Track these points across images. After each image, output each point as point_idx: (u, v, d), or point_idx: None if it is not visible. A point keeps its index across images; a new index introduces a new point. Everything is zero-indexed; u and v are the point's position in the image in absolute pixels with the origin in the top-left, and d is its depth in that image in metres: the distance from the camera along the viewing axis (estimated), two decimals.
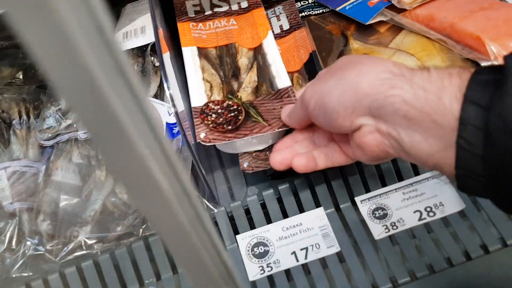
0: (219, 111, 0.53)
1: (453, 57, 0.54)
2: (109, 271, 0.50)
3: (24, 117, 0.60)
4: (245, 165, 0.53)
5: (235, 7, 0.64)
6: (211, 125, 0.51)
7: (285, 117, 0.50)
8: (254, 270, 0.48)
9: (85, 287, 0.50)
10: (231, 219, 0.52)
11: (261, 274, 0.48)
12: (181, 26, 0.61)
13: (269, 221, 0.51)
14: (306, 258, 0.48)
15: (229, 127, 0.51)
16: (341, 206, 0.51)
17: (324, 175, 0.52)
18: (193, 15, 0.63)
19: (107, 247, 0.50)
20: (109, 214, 0.50)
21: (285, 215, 0.51)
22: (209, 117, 0.52)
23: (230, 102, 0.53)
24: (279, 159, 0.47)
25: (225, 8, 0.64)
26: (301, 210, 0.51)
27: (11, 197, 0.53)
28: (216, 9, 0.64)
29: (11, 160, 0.55)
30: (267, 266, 0.48)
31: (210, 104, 0.53)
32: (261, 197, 0.52)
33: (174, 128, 0.57)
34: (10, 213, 0.53)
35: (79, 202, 0.51)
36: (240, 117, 0.52)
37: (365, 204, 0.50)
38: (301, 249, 0.49)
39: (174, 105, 0.50)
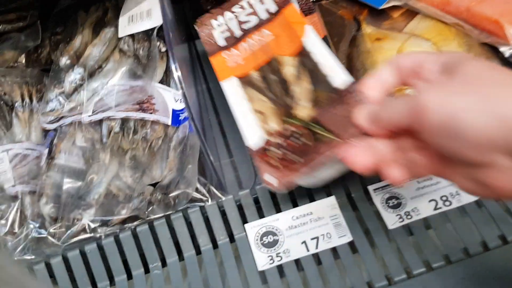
0: (282, 143, 0.45)
1: (470, 42, 0.53)
2: (113, 255, 0.48)
3: (27, 99, 0.58)
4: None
5: (263, 15, 0.55)
6: (278, 164, 0.44)
7: (365, 121, 0.39)
8: (263, 260, 0.47)
9: (88, 271, 0.48)
10: (239, 207, 0.50)
11: (270, 264, 0.46)
12: (215, 61, 0.54)
13: (278, 210, 0.50)
14: (317, 247, 0.47)
15: (302, 160, 0.43)
16: (353, 195, 0.49)
17: None
18: (224, 43, 0.55)
19: (111, 230, 0.48)
20: (113, 197, 0.49)
21: (295, 204, 0.50)
22: (273, 154, 0.44)
23: (291, 128, 0.45)
24: (362, 161, 0.38)
25: (254, 21, 0.55)
26: (312, 199, 0.50)
27: (13, 180, 0.51)
28: (245, 26, 0.55)
29: (13, 142, 0.54)
30: (277, 256, 0.47)
31: (270, 139, 0.46)
32: None
33: (180, 114, 0.56)
34: (12, 195, 0.51)
35: (82, 185, 0.50)
36: (309, 143, 0.44)
37: (378, 193, 0.49)
38: (312, 239, 0.47)
39: (182, 88, 0.48)
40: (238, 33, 0.55)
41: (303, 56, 0.50)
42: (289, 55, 0.51)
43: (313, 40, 0.50)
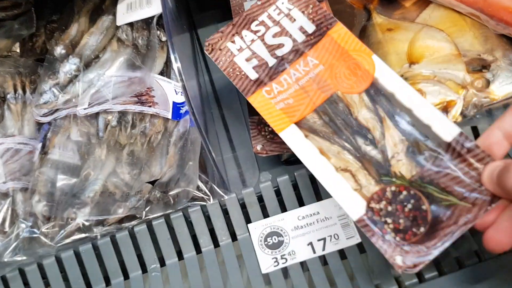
0: (391, 209, 0.37)
1: (486, 33, 0.50)
2: (109, 256, 0.46)
3: (20, 91, 0.55)
4: (258, 148, 0.49)
5: (299, 36, 0.44)
6: (397, 238, 0.36)
7: (494, 183, 0.33)
8: (267, 262, 0.44)
9: (83, 272, 0.46)
10: (243, 206, 0.47)
11: (274, 266, 0.44)
12: (256, 102, 0.43)
13: (283, 209, 0.47)
14: (324, 249, 0.44)
15: (422, 229, 0.36)
16: None
17: None
18: (256, 76, 0.44)
19: (107, 230, 0.46)
20: (109, 195, 0.46)
21: (301, 203, 0.47)
22: (386, 225, 0.37)
23: (392, 188, 0.38)
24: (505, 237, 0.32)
25: (288, 45, 0.45)
26: (319, 198, 0.47)
27: (4, 176, 0.49)
28: (278, 52, 0.45)
29: (4, 136, 0.51)
30: (281, 258, 0.44)
31: (374, 205, 0.38)
32: (275, 183, 0.48)
33: (181, 107, 0.53)
34: (3, 193, 0.49)
35: (77, 182, 0.47)
36: (424, 207, 0.36)
37: None
38: (319, 240, 0.45)
39: (182, 80, 0.45)
40: (271, 61, 0.45)
41: (379, 95, 0.41)
42: (357, 93, 0.41)
43: (388, 74, 0.41)
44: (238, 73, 0.45)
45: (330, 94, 0.42)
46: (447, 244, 0.35)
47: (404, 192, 0.37)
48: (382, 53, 0.52)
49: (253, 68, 0.45)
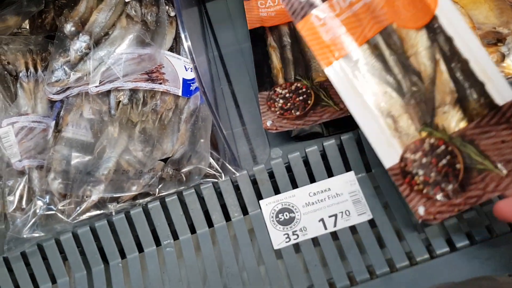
0: (425, 161, 0.36)
1: (501, 5, 0.49)
2: (124, 232, 0.47)
3: (31, 69, 0.55)
4: (268, 123, 0.49)
5: None
6: (425, 191, 0.37)
7: None
8: (279, 238, 0.45)
9: (99, 247, 0.47)
10: (254, 183, 0.48)
11: (286, 242, 0.45)
12: (303, 27, 0.40)
13: (294, 185, 0.47)
14: (335, 225, 0.45)
15: (450, 187, 0.36)
16: (373, 170, 0.47)
17: (357, 136, 0.47)
18: None
19: (121, 207, 0.47)
20: (123, 172, 0.47)
21: (312, 180, 0.47)
22: (416, 177, 0.37)
23: (431, 141, 0.36)
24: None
25: None
26: (330, 174, 0.47)
27: (20, 154, 0.49)
28: None
29: (18, 115, 0.52)
30: (293, 234, 0.45)
31: (409, 155, 0.36)
32: (286, 159, 0.48)
33: (191, 84, 0.53)
34: (19, 171, 0.49)
35: (91, 159, 0.48)
36: (458, 166, 0.35)
37: None
38: (330, 216, 0.45)
39: (193, 59, 0.45)
40: None
41: (437, 35, 0.36)
42: (414, 28, 0.37)
43: (453, 14, 0.36)
44: None
45: (385, 26, 0.38)
46: (468, 207, 0.35)
47: (442, 147, 0.36)
48: None
49: None
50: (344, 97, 0.39)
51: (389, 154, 0.37)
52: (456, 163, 0.35)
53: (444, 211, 0.36)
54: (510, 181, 0.34)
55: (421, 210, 0.37)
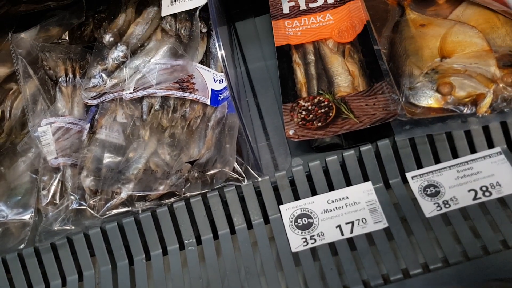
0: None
1: None
2: (149, 229, 0.49)
3: (70, 75, 0.59)
4: (290, 132, 0.52)
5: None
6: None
7: None
8: (297, 242, 0.47)
9: (125, 243, 0.49)
10: (275, 189, 0.50)
11: (304, 246, 0.46)
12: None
13: (314, 192, 0.49)
14: (351, 232, 0.47)
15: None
16: (390, 182, 0.49)
17: (375, 148, 0.50)
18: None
19: (148, 205, 0.49)
20: (151, 173, 0.50)
21: (331, 188, 0.50)
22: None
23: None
24: None
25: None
26: (348, 183, 0.49)
27: (56, 152, 0.53)
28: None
29: (56, 116, 0.55)
30: (311, 238, 0.47)
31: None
32: (306, 168, 0.50)
33: (219, 95, 0.56)
34: (54, 167, 0.53)
35: (122, 160, 0.50)
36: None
37: (416, 180, 0.48)
38: (347, 223, 0.47)
39: (225, 66, 0.48)
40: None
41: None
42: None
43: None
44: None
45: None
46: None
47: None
48: (414, 47, 0.53)
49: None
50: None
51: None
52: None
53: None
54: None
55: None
